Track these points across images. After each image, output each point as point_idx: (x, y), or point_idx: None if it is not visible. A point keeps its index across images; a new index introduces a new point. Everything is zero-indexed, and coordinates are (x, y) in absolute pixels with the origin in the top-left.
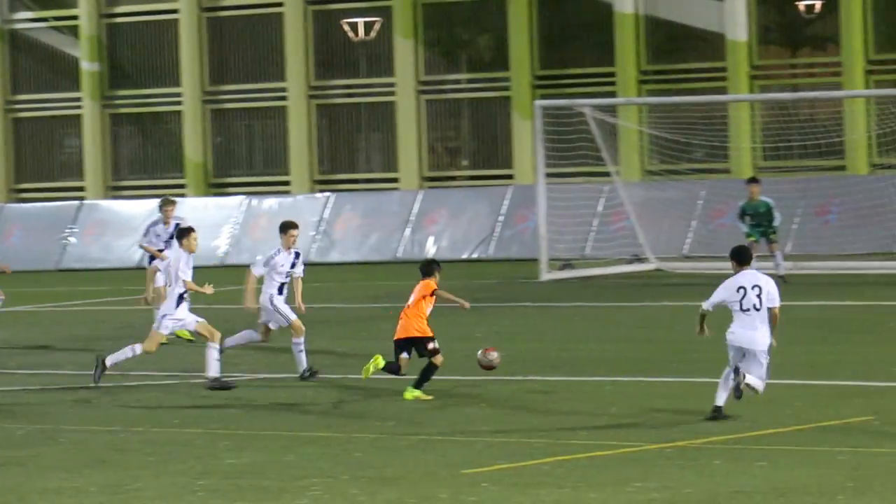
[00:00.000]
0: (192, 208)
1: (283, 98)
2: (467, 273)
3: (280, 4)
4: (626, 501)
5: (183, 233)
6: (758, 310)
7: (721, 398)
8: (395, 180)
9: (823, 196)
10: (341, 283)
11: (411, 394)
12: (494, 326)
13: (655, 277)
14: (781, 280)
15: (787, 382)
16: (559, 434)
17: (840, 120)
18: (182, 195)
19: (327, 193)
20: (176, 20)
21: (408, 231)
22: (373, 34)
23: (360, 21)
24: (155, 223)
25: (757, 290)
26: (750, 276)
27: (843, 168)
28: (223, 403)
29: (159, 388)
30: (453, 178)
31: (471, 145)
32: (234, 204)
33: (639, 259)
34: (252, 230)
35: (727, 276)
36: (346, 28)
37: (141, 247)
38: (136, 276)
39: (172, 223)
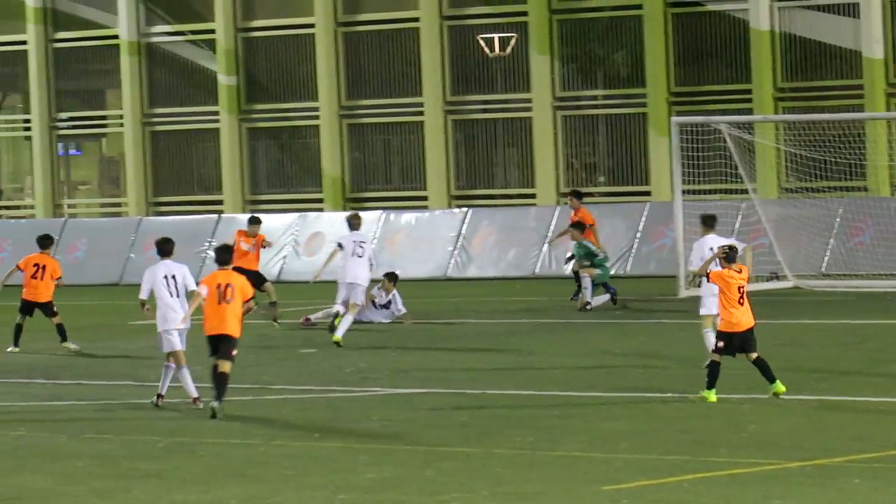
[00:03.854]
0: (329, 222)
1: (420, 113)
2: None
3: (416, 20)
4: None
5: None
6: None
7: None
8: (531, 196)
9: None
10: (479, 299)
11: (713, 395)
12: (633, 343)
13: (793, 295)
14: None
15: None
16: (699, 451)
17: None
18: (319, 209)
19: (464, 209)
20: (312, 34)
21: (545, 247)
22: (508, 50)
23: (496, 37)
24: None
25: None
26: None
27: None
28: (362, 417)
29: (298, 402)
30: (590, 195)
31: (607, 161)
32: (371, 219)
33: (777, 276)
34: (389, 245)
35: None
36: (482, 43)
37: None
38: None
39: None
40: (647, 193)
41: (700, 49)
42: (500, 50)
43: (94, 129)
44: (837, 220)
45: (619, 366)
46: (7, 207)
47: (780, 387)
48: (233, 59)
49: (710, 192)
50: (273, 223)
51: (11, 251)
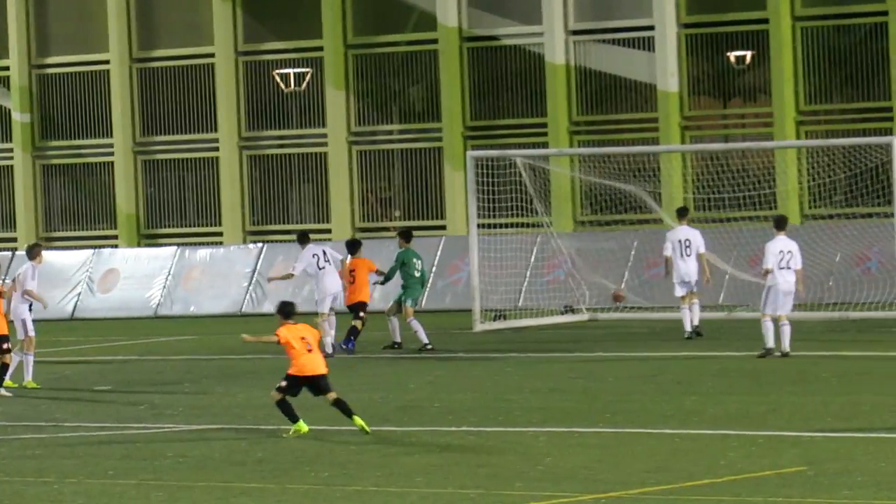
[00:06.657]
0: (123, 259)
1: (215, 149)
2: (402, 324)
3: (211, 55)
4: None
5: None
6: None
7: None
8: (327, 231)
9: (755, 246)
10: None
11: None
12: (428, 377)
13: (589, 328)
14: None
15: (721, 433)
16: (494, 485)
17: (772, 170)
18: (114, 245)
19: (259, 244)
20: (107, 71)
21: (343, 282)
22: (304, 85)
23: (291, 72)
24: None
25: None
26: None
27: None
28: (157, 455)
29: (93, 439)
30: (386, 229)
31: (403, 196)
32: (166, 255)
33: (572, 309)
34: (185, 281)
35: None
36: (278, 79)
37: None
38: (67, 328)
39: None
40: (443, 227)
41: (495, 83)
42: (295, 85)
43: None
44: (632, 252)
45: (414, 400)
46: None
47: (358, 420)
48: (27, 96)
49: (505, 225)
50: (68, 260)
51: None
